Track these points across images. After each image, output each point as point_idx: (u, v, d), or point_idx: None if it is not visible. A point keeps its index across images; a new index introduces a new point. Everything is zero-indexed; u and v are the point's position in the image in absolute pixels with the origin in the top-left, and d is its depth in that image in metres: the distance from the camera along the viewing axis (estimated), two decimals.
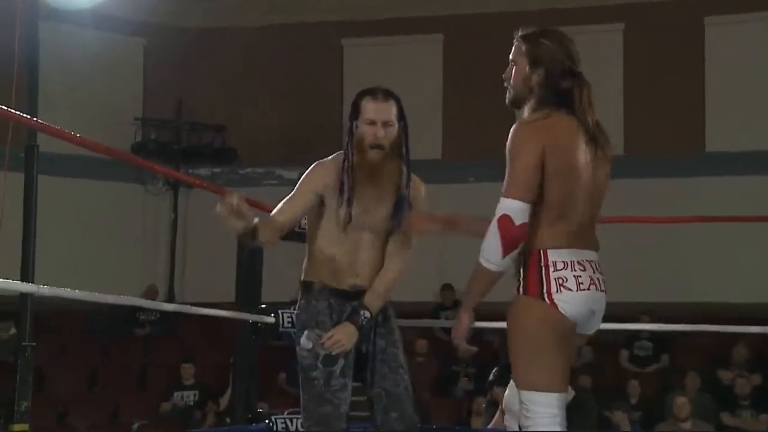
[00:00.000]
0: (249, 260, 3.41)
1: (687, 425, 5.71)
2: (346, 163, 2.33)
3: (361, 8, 8.11)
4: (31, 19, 3.78)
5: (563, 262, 1.90)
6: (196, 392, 6.44)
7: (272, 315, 3.28)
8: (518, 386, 1.93)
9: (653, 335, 6.78)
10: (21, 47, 3.56)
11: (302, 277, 2.41)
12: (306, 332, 2.33)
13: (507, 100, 2.00)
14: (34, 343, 3.18)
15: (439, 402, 6.50)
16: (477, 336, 6.28)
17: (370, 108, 2.32)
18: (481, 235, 1.96)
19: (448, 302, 7.53)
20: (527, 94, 1.96)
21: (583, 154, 1.91)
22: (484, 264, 1.89)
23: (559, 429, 1.89)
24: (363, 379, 2.39)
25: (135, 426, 6.18)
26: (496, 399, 3.89)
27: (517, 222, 1.86)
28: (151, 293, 7.67)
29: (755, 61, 7.48)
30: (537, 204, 1.90)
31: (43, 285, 2.29)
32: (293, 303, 2.49)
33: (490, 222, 1.89)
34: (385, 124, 2.32)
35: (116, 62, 8.02)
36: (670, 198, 7.15)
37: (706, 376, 6.28)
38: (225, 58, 8.35)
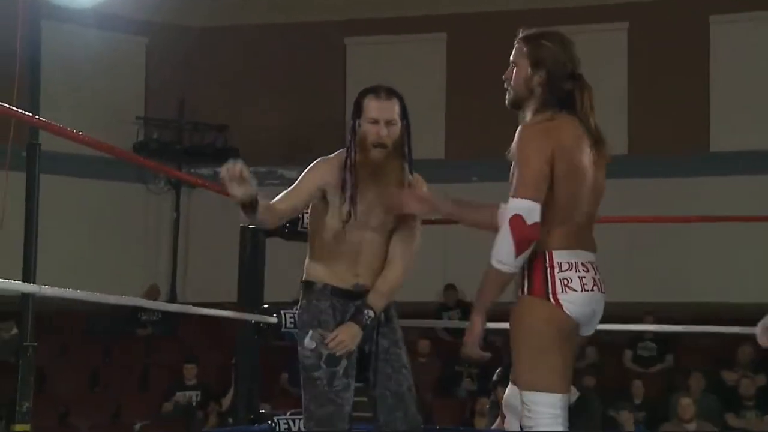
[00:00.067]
0: (251, 260, 3.39)
1: (691, 426, 5.70)
2: (348, 161, 2.32)
3: (365, 7, 8.09)
4: (33, 18, 3.77)
5: (568, 263, 1.92)
6: (198, 392, 6.43)
7: (274, 315, 3.26)
8: (520, 386, 1.93)
9: (657, 336, 6.76)
10: (23, 46, 3.55)
11: (304, 277, 2.40)
12: (310, 332, 2.32)
13: (507, 101, 2.02)
14: (35, 343, 3.17)
15: (442, 403, 6.49)
16: None
17: (373, 106, 2.31)
18: (453, 218, 2.04)
19: (450, 302, 7.51)
20: (528, 95, 1.97)
21: (587, 156, 1.94)
22: (497, 266, 1.89)
23: (561, 429, 1.89)
24: (366, 380, 2.38)
25: (137, 426, 6.17)
26: (499, 400, 3.87)
27: (529, 221, 1.86)
28: (152, 293, 7.66)
29: (761, 60, 7.45)
30: (543, 205, 1.90)
31: (45, 285, 2.27)
32: (296, 303, 2.48)
33: (462, 206, 1.93)
34: (388, 122, 2.31)
35: (118, 61, 8.02)
36: (673, 197, 7.13)
37: (711, 376, 6.26)
38: (227, 57, 8.35)
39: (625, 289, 6.97)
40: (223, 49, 8.34)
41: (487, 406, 5.37)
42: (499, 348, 6.58)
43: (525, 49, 1.97)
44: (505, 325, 1.98)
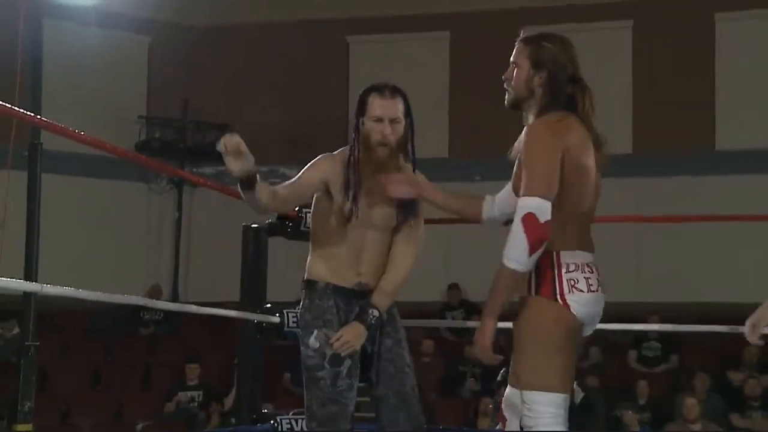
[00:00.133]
0: (253, 259, 3.38)
1: (696, 426, 5.67)
2: (351, 159, 2.31)
3: (368, 5, 8.08)
4: (35, 16, 3.76)
5: (575, 263, 1.93)
6: (200, 392, 6.41)
7: (277, 315, 3.25)
8: (523, 386, 1.92)
9: (662, 336, 6.73)
10: (24, 45, 3.54)
11: (306, 276, 2.39)
12: (315, 332, 2.30)
13: (506, 101, 2.03)
14: (37, 343, 3.16)
15: (446, 403, 6.46)
16: None
17: (377, 105, 2.30)
18: (439, 205, 2.16)
19: (454, 302, 7.49)
20: (528, 95, 1.98)
21: (591, 158, 1.96)
22: (511, 265, 1.87)
23: (564, 429, 1.89)
24: (368, 380, 2.36)
25: (139, 427, 6.15)
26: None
27: (542, 219, 1.86)
28: (155, 292, 7.65)
29: (766, 57, 7.41)
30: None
31: (47, 284, 2.26)
32: (298, 302, 2.46)
33: (448, 194, 2.00)
34: (392, 121, 2.30)
35: (120, 60, 8.01)
36: (678, 197, 7.10)
37: (716, 377, 6.24)
38: (230, 56, 8.33)
39: (630, 288, 6.95)
40: (225, 48, 8.33)
41: (491, 406, 5.35)
42: (503, 348, 6.56)
43: (526, 49, 1.98)
44: (508, 325, 1.97)
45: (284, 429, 3.16)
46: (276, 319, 3.25)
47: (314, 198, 2.39)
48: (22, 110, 2.17)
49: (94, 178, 7.78)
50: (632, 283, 7.04)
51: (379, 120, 2.29)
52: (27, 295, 3.16)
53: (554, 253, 1.93)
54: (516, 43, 2.01)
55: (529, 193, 1.87)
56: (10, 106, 2.06)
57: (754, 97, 7.39)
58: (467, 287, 7.44)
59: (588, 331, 2.01)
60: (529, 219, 1.85)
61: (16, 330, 6.50)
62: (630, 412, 5.68)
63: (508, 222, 2.27)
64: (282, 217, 3.23)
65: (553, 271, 1.92)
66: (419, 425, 2.35)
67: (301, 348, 2.33)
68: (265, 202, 2.19)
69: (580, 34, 6.92)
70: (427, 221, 2.48)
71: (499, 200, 2.22)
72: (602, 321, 2.04)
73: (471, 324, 6.46)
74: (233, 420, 4.02)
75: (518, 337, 1.94)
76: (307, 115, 8.07)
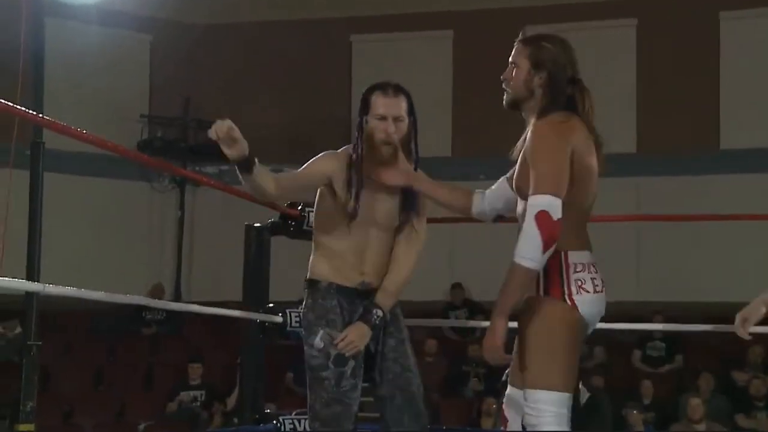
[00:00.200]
0: (256, 259, 3.37)
1: (701, 427, 5.65)
2: (355, 157, 2.30)
3: (370, 4, 8.06)
4: (37, 15, 3.75)
5: (581, 264, 1.94)
6: (203, 392, 6.41)
7: (280, 314, 3.24)
8: (528, 385, 1.91)
9: (666, 335, 6.72)
10: (26, 43, 3.53)
11: (308, 275, 2.38)
12: (320, 332, 2.29)
13: (505, 102, 2.03)
14: (39, 342, 3.15)
15: (449, 402, 6.45)
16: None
17: (381, 103, 2.29)
18: (429, 196, 2.22)
19: (457, 301, 7.48)
20: (528, 96, 1.98)
21: (594, 158, 1.97)
22: (524, 263, 1.86)
23: (567, 429, 1.89)
24: (372, 380, 2.35)
25: (142, 426, 6.15)
26: None
27: (555, 217, 1.85)
28: (157, 292, 7.64)
29: None
30: None
31: (49, 284, 2.24)
32: (301, 302, 2.44)
33: (437, 185, 2.04)
34: (396, 119, 2.29)
35: (122, 59, 7.99)
36: (683, 196, 7.08)
37: (721, 377, 6.22)
38: (231, 54, 8.32)
39: (634, 288, 6.94)
40: (226, 47, 8.31)
41: (494, 406, 5.34)
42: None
43: (526, 50, 1.98)
44: (512, 325, 1.95)
45: (287, 429, 3.15)
46: (279, 318, 3.23)
47: (317, 196, 2.38)
48: (24, 109, 2.16)
49: (96, 177, 7.77)
50: (636, 283, 7.03)
51: (383, 118, 2.28)
52: (29, 295, 3.15)
53: (562, 253, 1.92)
54: (515, 43, 2.01)
55: (540, 191, 1.86)
56: (12, 104, 2.05)
57: (758, 96, 7.36)
58: (470, 287, 7.43)
59: (589, 331, 2.01)
60: (543, 216, 1.83)
61: (19, 330, 6.49)
62: (635, 411, 5.66)
63: (498, 218, 2.28)
64: (284, 216, 3.22)
65: (561, 271, 1.92)
66: (423, 425, 2.34)
67: (305, 348, 2.32)
68: (265, 187, 2.19)
69: (583, 32, 6.91)
70: (431, 220, 2.46)
71: (489, 194, 2.24)
72: (607, 321, 2.04)
73: (474, 323, 6.45)
74: (236, 420, 4.01)
75: (524, 336, 1.94)
76: (308, 114, 8.05)
